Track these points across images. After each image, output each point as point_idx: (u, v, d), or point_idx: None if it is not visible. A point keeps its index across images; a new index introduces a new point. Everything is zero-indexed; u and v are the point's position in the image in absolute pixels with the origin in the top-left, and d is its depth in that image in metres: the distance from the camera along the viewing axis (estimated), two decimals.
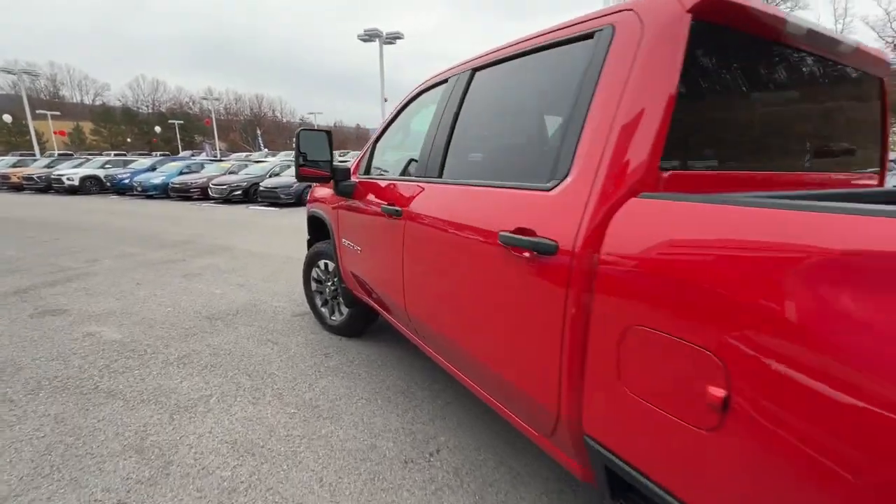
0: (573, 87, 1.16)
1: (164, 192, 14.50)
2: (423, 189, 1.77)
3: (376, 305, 2.45)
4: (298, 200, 12.11)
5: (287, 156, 28.79)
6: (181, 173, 15.31)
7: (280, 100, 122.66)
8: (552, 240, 1.05)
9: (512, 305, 1.21)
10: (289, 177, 13.02)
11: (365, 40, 18.21)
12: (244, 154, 36.35)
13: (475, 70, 1.67)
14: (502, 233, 1.21)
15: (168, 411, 2.17)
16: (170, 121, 56.73)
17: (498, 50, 1.58)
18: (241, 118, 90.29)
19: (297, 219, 9.83)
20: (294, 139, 2.31)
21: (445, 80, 1.86)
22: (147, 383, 2.44)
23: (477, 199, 1.42)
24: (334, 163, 2.42)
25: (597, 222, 0.96)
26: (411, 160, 2.30)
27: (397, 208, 1.86)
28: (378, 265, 2.21)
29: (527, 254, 1.12)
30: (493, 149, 1.62)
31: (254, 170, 14.53)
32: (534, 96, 1.45)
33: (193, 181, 14.06)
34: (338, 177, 2.44)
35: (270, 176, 13.54)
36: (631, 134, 0.97)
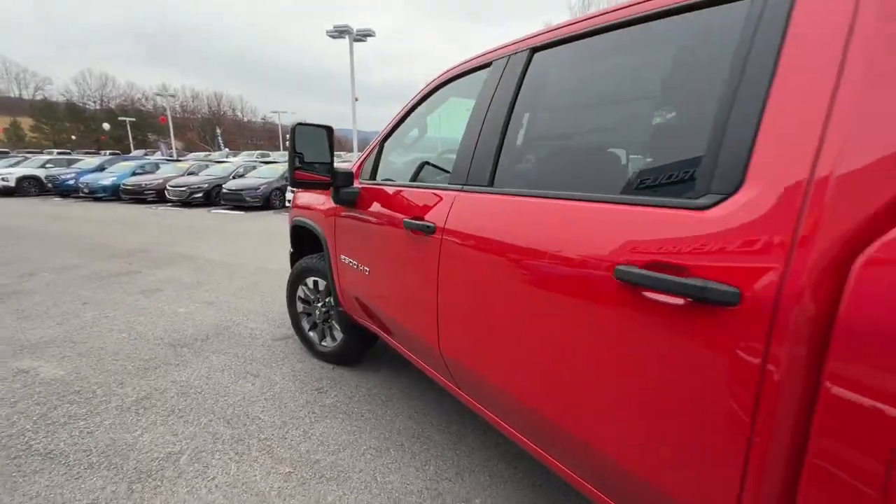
0: (723, 62, 0.83)
1: (114, 194, 13.48)
2: (466, 200, 1.40)
3: (383, 333, 2.07)
4: (266, 203, 11.51)
5: (249, 156, 27.60)
6: (134, 174, 14.32)
7: (241, 98, 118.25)
8: (728, 284, 0.72)
9: (645, 372, 0.87)
10: (254, 178, 12.33)
11: (334, 37, 17.48)
12: (203, 154, 34.78)
13: (534, 50, 1.32)
14: (621, 267, 0.86)
15: (125, 479, 1.71)
16: (120, 118, 53.20)
17: (568, 25, 1.24)
18: (199, 116, 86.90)
19: (265, 222, 9.23)
20: (288, 136, 1.89)
21: (488, 65, 1.50)
22: (97, 438, 1.95)
23: (563, 217, 1.06)
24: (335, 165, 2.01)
25: (825, 263, 0.63)
26: (425, 163, 1.95)
27: (428, 224, 1.48)
28: (395, 292, 1.82)
29: (676, 300, 0.78)
30: (577, 149, 1.27)
31: (215, 170, 13.77)
32: (639, 78, 1.11)
33: (148, 182, 13.14)
34: (338, 182, 2.03)
35: (234, 177, 12.81)
36: (875, 129, 0.64)
